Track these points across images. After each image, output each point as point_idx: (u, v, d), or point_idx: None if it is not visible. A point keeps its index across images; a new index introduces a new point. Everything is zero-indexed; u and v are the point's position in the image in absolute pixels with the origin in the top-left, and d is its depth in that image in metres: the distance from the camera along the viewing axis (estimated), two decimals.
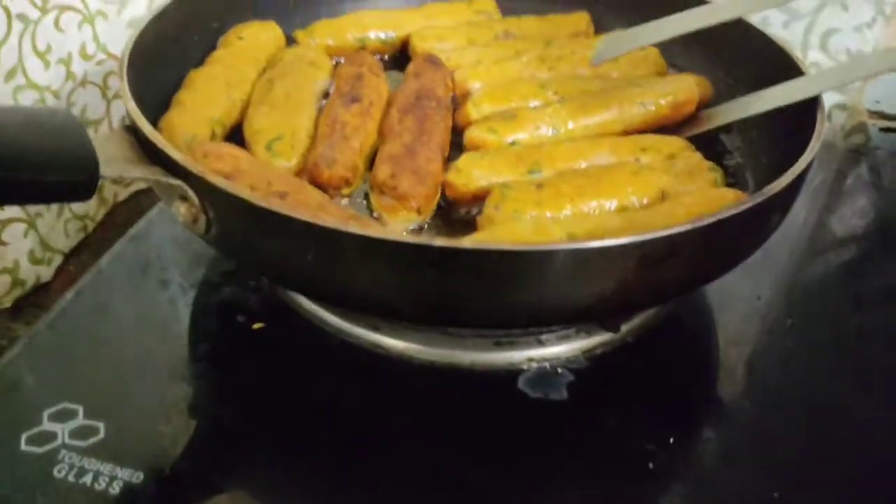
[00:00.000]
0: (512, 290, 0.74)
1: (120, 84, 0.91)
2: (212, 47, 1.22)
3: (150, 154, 0.83)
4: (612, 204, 0.94)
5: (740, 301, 1.10)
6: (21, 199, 0.75)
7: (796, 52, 1.09)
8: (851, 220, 1.34)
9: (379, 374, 0.96)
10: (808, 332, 1.07)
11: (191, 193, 0.79)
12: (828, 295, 1.17)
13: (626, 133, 1.13)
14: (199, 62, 1.18)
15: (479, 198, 1.00)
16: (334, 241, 0.73)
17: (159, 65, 1.08)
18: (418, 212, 0.96)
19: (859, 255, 1.29)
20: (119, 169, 0.78)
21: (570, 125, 1.10)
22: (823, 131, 0.92)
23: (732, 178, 1.10)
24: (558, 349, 0.96)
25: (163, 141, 0.80)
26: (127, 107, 0.86)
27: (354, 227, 0.71)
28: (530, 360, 0.96)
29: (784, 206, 0.86)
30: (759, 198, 0.79)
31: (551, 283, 0.74)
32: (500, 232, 0.87)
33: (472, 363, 0.96)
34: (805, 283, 1.19)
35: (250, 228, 0.78)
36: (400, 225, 0.97)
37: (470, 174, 1.00)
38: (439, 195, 1.01)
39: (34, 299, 1.33)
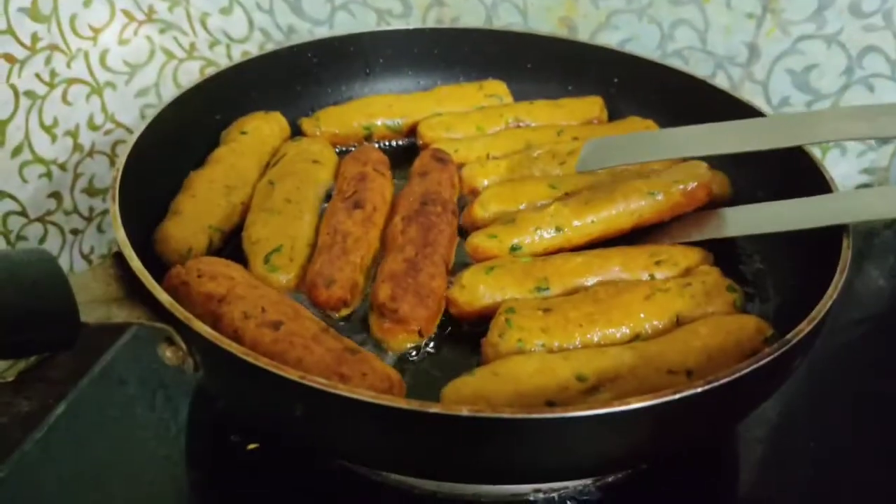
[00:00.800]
0: (515, 452, 0.70)
1: (111, 207, 0.87)
2: (214, 142, 1.19)
3: (136, 289, 0.79)
4: (623, 331, 0.89)
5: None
6: None
7: (825, 165, 1.03)
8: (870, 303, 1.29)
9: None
10: (834, 449, 1.01)
11: (177, 337, 0.76)
12: (856, 395, 1.11)
13: (638, 226, 1.08)
14: (202, 159, 1.15)
15: (484, 315, 0.96)
16: (322, 400, 0.69)
17: (158, 170, 1.05)
18: (420, 334, 0.92)
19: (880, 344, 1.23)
20: (101, 314, 0.75)
21: (576, 223, 1.05)
22: (848, 261, 0.86)
23: (752, 288, 1.05)
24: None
25: (150, 281, 0.77)
26: (117, 236, 0.83)
27: (343, 388, 0.67)
28: (537, 490, 0.91)
29: (808, 347, 0.81)
30: (780, 347, 0.74)
31: (554, 447, 0.69)
32: (503, 369, 0.82)
33: (475, 493, 0.91)
34: (831, 385, 1.13)
35: (238, 378, 0.74)
36: (400, 348, 0.92)
37: (474, 291, 0.96)
38: (442, 311, 0.97)
39: (38, 373, 1.31)
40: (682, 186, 1.08)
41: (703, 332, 0.86)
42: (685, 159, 1.14)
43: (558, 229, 1.04)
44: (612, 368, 0.80)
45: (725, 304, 0.93)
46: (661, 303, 0.91)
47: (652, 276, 0.98)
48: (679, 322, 0.91)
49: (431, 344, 0.95)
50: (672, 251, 1.01)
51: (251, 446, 0.96)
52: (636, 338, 0.89)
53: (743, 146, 0.97)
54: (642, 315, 0.90)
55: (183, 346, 0.76)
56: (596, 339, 0.88)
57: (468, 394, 0.78)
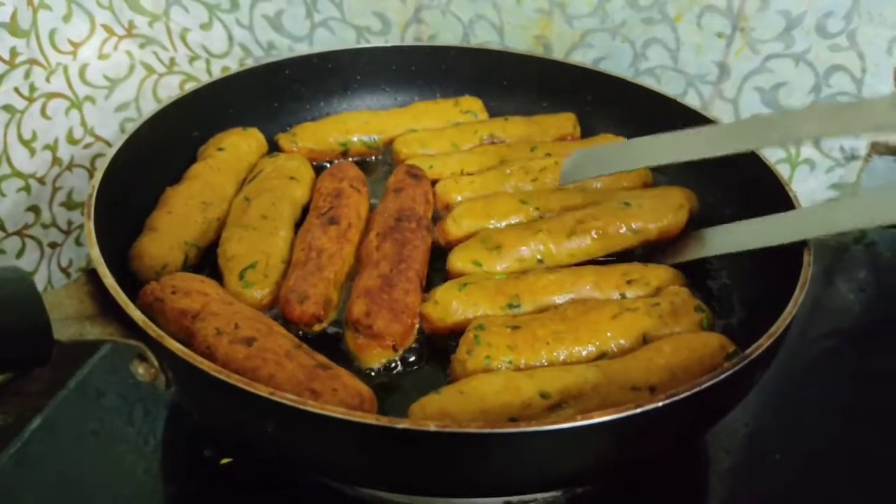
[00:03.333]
0: (482, 466, 0.71)
1: (86, 224, 0.88)
2: (192, 158, 1.20)
3: (109, 305, 0.80)
4: (590, 349, 0.91)
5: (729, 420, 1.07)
6: None
7: (793, 181, 1.06)
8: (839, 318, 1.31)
9: None
10: (802, 461, 1.03)
11: (149, 354, 0.77)
12: (822, 409, 1.13)
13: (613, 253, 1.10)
14: (178, 175, 1.16)
15: (457, 330, 0.97)
16: (291, 416, 0.70)
17: (134, 186, 1.06)
18: (394, 349, 0.94)
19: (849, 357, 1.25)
20: (75, 331, 0.76)
21: (554, 250, 1.06)
22: (809, 278, 0.88)
23: (717, 303, 1.07)
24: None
25: (123, 298, 0.78)
26: (91, 253, 0.84)
27: (312, 405, 0.68)
28: (507, 502, 0.92)
29: (767, 361, 0.83)
30: (739, 362, 0.76)
31: (519, 461, 0.71)
32: (468, 388, 0.83)
33: None
34: (799, 399, 1.15)
35: (209, 395, 0.75)
36: (375, 363, 0.94)
37: (447, 307, 0.97)
38: (416, 327, 0.98)
39: (14, 386, 1.30)
40: (655, 224, 1.10)
41: (666, 350, 0.87)
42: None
43: (541, 257, 1.05)
44: (575, 386, 0.82)
45: (692, 323, 0.95)
46: (628, 322, 0.92)
47: (623, 295, 0.99)
48: (646, 341, 0.92)
49: (405, 360, 0.96)
50: (644, 270, 1.02)
51: (224, 461, 0.96)
52: (603, 356, 0.91)
53: (712, 151, 0.96)
54: (609, 334, 0.91)
55: (155, 362, 0.77)
56: (563, 356, 0.90)
57: (434, 411, 0.80)
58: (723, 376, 0.74)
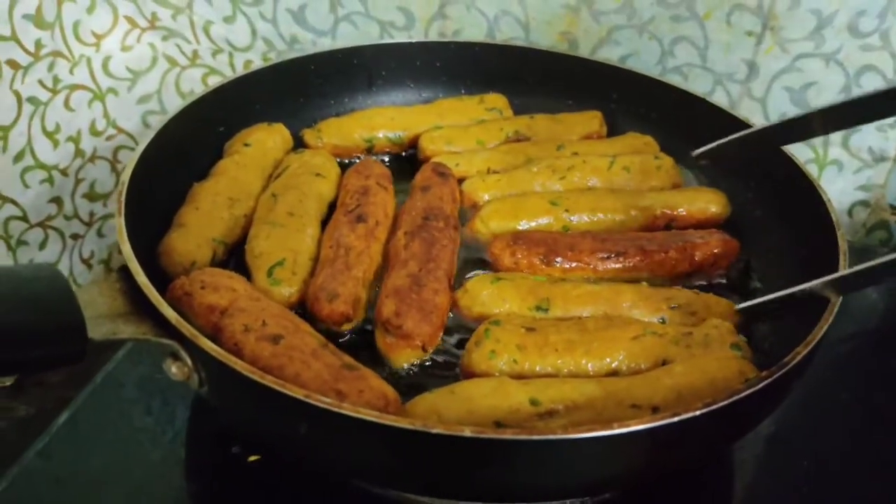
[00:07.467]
0: (513, 472, 0.71)
1: (117, 221, 0.88)
2: (218, 154, 1.20)
3: (141, 303, 0.80)
4: (600, 365, 0.88)
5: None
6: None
7: (821, 183, 1.05)
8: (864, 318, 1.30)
9: None
10: (827, 464, 1.02)
11: (183, 353, 0.76)
12: (849, 409, 1.12)
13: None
14: (205, 171, 1.15)
15: (481, 322, 0.96)
16: (328, 419, 0.69)
17: (162, 182, 1.06)
18: (423, 349, 0.93)
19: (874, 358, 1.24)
20: (108, 329, 0.75)
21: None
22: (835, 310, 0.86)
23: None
24: None
25: (157, 297, 0.78)
26: (122, 251, 0.83)
27: (349, 409, 0.68)
28: None
29: (803, 370, 0.82)
30: (777, 371, 0.75)
31: (548, 468, 0.71)
32: (460, 388, 0.82)
33: None
34: (824, 400, 1.14)
35: (243, 396, 0.75)
36: (404, 363, 0.93)
37: (476, 297, 0.97)
38: (445, 327, 0.98)
39: (36, 378, 1.31)
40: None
41: (677, 370, 0.84)
42: None
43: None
44: (569, 397, 0.80)
45: (725, 359, 0.87)
46: (649, 345, 0.89)
47: (663, 320, 0.95)
48: (665, 364, 0.88)
49: (433, 360, 0.96)
50: (692, 298, 0.97)
51: (252, 458, 0.96)
52: (613, 374, 0.88)
53: None
54: (623, 354, 0.88)
55: (188, 361, 0.77)
56: (570, 367, 0.88)
57: (423, 409, 0.79)
58: (758, 387, 0.73)
